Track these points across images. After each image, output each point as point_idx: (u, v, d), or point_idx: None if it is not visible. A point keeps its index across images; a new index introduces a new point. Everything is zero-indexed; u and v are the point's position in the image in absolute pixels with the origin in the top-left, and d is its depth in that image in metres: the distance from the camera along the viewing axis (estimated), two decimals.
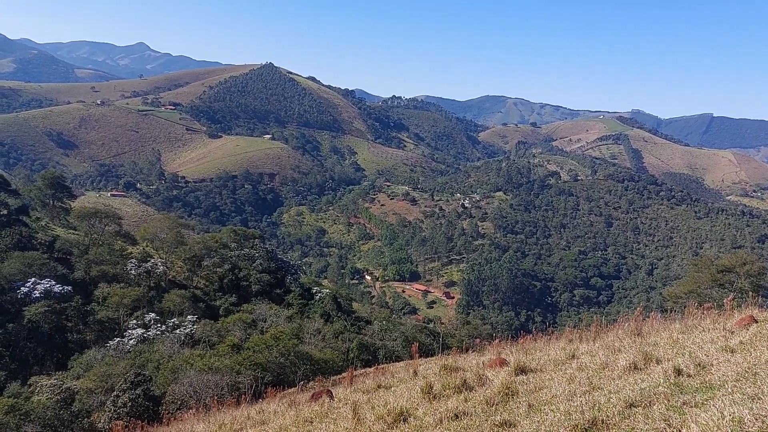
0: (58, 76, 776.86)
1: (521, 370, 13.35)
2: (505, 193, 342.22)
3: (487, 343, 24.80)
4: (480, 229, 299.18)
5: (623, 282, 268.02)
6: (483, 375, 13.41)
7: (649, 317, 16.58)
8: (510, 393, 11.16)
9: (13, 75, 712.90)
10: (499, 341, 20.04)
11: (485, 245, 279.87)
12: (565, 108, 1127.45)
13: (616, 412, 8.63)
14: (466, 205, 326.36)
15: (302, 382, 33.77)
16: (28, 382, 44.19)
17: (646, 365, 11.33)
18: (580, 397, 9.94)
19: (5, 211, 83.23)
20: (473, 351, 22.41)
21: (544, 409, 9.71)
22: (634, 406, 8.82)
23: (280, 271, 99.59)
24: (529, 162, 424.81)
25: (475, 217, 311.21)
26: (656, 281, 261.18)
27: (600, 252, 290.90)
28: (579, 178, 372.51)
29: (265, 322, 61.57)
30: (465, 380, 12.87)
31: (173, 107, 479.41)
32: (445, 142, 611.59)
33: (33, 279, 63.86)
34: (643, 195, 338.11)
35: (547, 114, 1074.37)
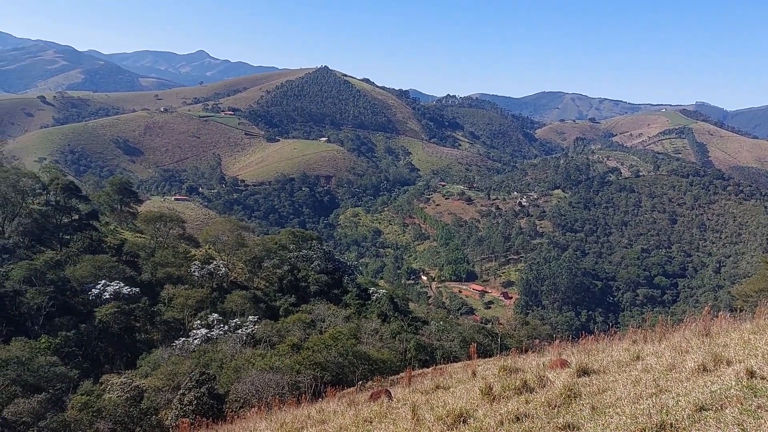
0: (123, 86, 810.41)
1: (583, 372, 13.04)
2: (563, 191, 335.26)
3: (546, 343, 24.39)
4: (538, 227, 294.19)
5: (689, 280, 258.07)
6: (543, 376, 13.17)
7: (717, 317, 15.89)
8: (572, 395, 10.92)
9: (82, 85, 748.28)
10: (560, 342, 19.66)
11: (544, 244, 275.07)
12: (625, 102, 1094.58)
13: (685, 416, 8.33)
14: (523, 203, 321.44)
15: (360, 382, 34.00)
16: (100, 381, 46.07)
17: (716, 367, 10.88)
18: (646, 399, 9.64)
19: (77, 216, 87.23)
20: (532, 352, 22.05)
21: (609, 412, 9.47)
22: (705, 410, 8.49)
23: (337, 271, 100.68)
24: (587, 158, 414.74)
25: (532, 215, 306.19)
26: (724, 279, 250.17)
27: (664, 250, 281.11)
28: (641, 174, 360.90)
29: (323, 322, 62.34)
30: (525, 381, 12.67)
31: (232, 112, 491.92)
32: (500, 140, 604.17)
33: (103, 281, 66.54)
34: (709, 190, 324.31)
35: (606, 109, 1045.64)
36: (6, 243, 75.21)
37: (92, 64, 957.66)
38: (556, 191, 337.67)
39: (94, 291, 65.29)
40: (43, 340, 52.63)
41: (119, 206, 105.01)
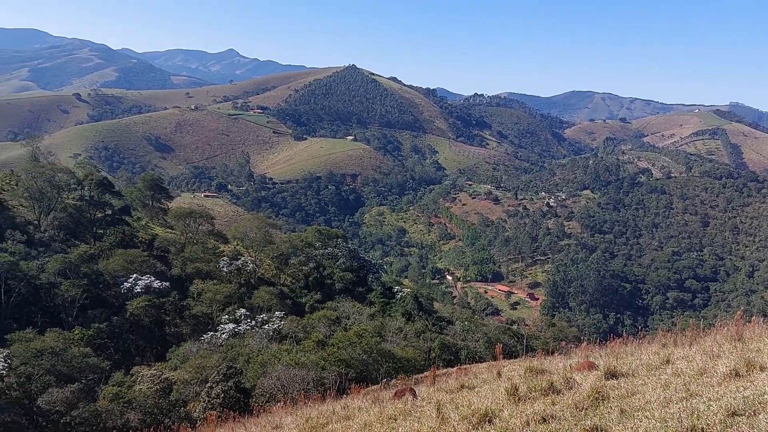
0: (155, 83, 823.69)
1: (612, 375, 12.94)
2: (592, 192, 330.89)
3: (573, 346, 24.17)
4: (566, 228, 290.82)
5: (721, 284, 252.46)
6: (571, 378, 13.10)
7: (750, 322, 15.61)
8: (600, 397, 10.85)
9: (116, 83, 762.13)
10: (587, 344, 19.50)
11: (571, 245, 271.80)
12: (657, 102, 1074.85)
13: (717, 421, 8.23)
14: (551, 204, 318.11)
15: (385, 380, 34.11)
16: (131, 372, 47.05)
17: (749, 372, 10.71)
18: (676, 403, 9.55)
19: (110, 211, 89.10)
20: (559, 354, 21.91)
21: (638, 416, 9.40)
22: (737, 415, 8.38)
23: (362, 269, 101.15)
24: (618, 159, 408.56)
25: (560, 216, 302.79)
26: (757, 284, 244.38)
27: (695, 253, 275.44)
28: (672, 175, 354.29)
29: (348, 319, 62.71)
30: (552, 383, 12.63)
31: (261, 111, 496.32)
32: (528, 139, 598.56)
33: (135, 275, 67.87)
34: (743, 192, 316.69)
35: (638, 109, 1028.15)
36: (42, 236, 77.15)
37: (126, 63, 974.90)
38: (584, 192, 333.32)
39: (126, 284, 66.64)
40: (76, 332, 53.88)
41: (151, 202, 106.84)
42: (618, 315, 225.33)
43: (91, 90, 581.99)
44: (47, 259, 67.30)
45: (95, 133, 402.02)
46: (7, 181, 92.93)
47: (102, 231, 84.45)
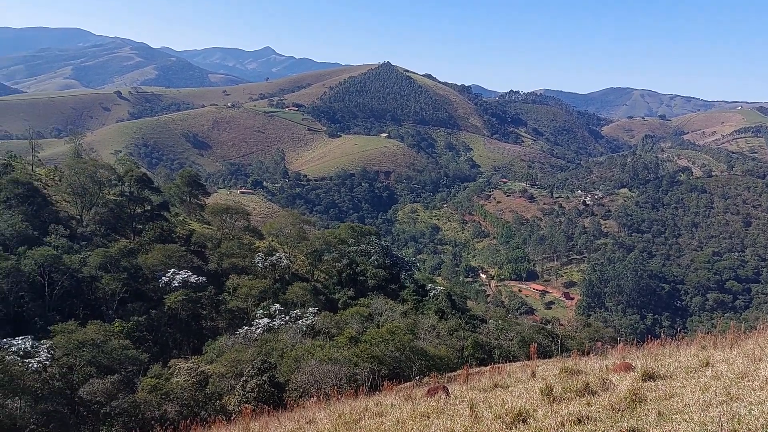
0: (194, 81, 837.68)
1: (649, 376, 12.72)
2: (630, 190, 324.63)
3: (609, 346, 23.84)
4: (603, 227, 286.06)
5: (763, 286, 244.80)
6: (607, 379, 12.93)
7: None
8: (637, 399, 10.69)
9: (155, 81, 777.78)
10: (624, 345, 19.22)
11: (608, 244, 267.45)
12: (698, 99, 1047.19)
13: (758, 426, 8.04)
14: (587, 202, 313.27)
15: (417, 377, 34.17)
16: (168, 365, 48.03)
17: None
18: (716, 407, 9.35)
19: (149, 207, 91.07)
20: (595, 355, 21.60)
21: (676, 418, 9.24)
22: None
23: (395, 267, 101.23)
24: (656, 157, 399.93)
25: (597, 215, 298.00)
26: None
27: (737, 253, 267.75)
28: (713, 173, 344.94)
29: (381, 316, 62.84)
30: (587, 384, 12.48)
31: (296, 108, 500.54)
32: (565, 136, 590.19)
33: (172, 269, 69.26)
34: None
35: (678, 106, 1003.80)
36: (84, 231, 79.29)
37: (165, 61, 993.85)
38: (622, 190, 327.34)
39: (164, 279, 68.06)
40: (116, 324, 55.26)
41: (188, 198, 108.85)
42: (656, 316, 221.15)
43: (132, 88, 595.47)
44: (89, 253, 69.15)
45: (135, 130, 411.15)
46: (51, 177, 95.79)
47: (141, 226, 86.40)
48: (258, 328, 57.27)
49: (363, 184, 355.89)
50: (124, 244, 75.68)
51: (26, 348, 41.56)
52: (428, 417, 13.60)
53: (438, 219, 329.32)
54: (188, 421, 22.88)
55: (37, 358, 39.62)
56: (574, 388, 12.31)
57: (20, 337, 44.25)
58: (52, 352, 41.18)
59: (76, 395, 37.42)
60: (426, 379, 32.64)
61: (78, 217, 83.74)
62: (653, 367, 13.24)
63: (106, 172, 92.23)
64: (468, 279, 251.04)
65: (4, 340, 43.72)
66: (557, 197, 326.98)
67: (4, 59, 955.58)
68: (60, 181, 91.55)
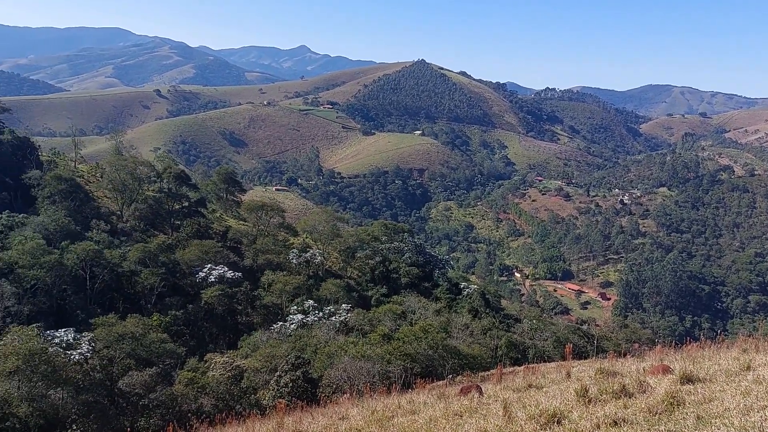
0: (230, 80, 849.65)
1: (687, 379, 12.47)
2: (669, 189, 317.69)
3: (647, 348, 23.43)
4: (640, 227, 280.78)
5: None
6: (644, 382, 12.71)
7: None
8: (675, 402, 10.49)
9: (193, 79, 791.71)
10: (662, 347, 18.87)
11: (646, 244, 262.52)
12: (740, 96, 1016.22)
13: None
14: (625, 201, 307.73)
15: (450, 376, 34.06)
16: (204, 359, 48.88)
17: None
18: (758, 412, 9.12)
19: (186, 203, 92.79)
20: (631, 356, 21.24)
21: (716, 423, 9.05)
22: None
23: (428, 265, 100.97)
24: (697, 155, 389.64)
25: (635, 214, 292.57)
26: None
27: None
28: (756, 172, 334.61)
29: (414, 314, 62.85)
30: (624, 386, 12.29)
31: (330, 106, 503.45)
32: (602, 134, 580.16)
33: (209, 265, 70.47)
34: None
35: (719, 103, 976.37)
36: (124, 226, 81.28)
37: (203, 60, 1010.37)
38: (661, 189, 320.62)
39: (201, 274, 69.29)
40: (155, 318, 56.50)
41: (225, 195, 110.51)
42: (695, 318, 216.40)
43: (171, 86, 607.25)
44: (129, 248, 70.86)
45: (174, 128, 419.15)
46: (93, 174, 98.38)
47: (179, 222, 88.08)
48: (292, 323, 57.90)
49: (396, 182, 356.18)
50: (163, 240, 77.32)
51: (68, 340, 42.84)
52: (461, 416, 13.57)
53: (472, 217, 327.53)
54: (224, 415, 23.26)
55: (78, 350, 40.81)
56: (610, 390, 12.14)
57: (63, 329, 45.64)
58: (93, 344, 42.31)
59: (115, 387, 38.31)
60: (459, 377, 32.52)
61: (118, 212, 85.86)
62: (692, 370, 12.97)
63: (145, 169, 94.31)
64: (502, 278, 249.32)
65: (48, 332, 45.13)
66: (594, 196, 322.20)
67: (49, 58, 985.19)
68: (101, 177, 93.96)
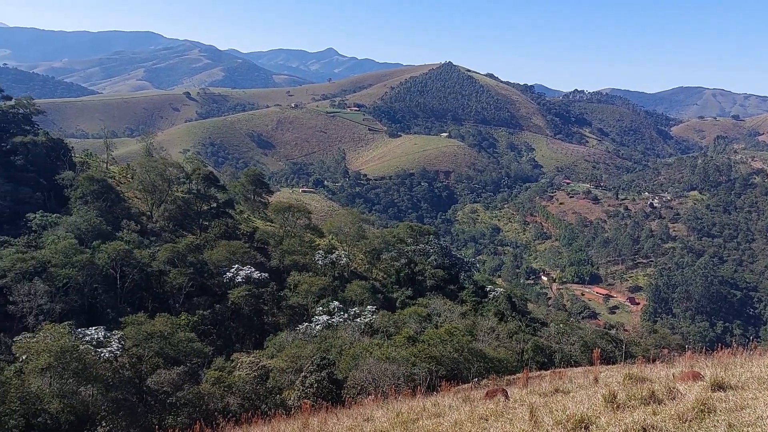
0: (259, 82, 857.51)
1: (718, 386, 12.22)
2: (700, 193, 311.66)
3: (676, 354, 23.02)
4: (671, 231, 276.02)
5: None
6: (673, 388, 12.49)
7: None
8: (706, 410, 10.29)
9: (222, 82, 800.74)
10: (692, 353, 18.53)
11: (676, 248, 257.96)
12: None
13: None
14: (655, 204, 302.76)
15: (475, 379, 33.89)
16: (231, 358, 49.40)
17: None
18: None
19: (215, 204, 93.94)
20: (661, 362, 20.89)
21: (748, 431, 8.84)
22: None
23: (453, 267, 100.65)
24: (729, 158, 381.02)
25: (665, 217, 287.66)
26: None
27: None
28: None
29: (439, 316, 62.67)
30: (653, 392, 12.10)
31: (357, 108, 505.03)
32: (631, 137, 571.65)
33: (236, 265, 71.19)
34: None
35: (753, 106, 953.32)
36: (154, 227, 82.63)
37: (231, 63, 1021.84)
38: (692, 193, 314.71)
39: (228, 274, 70.04)
40: (182, 317, 57.25)
41: (252, 196, 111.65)
42: (726, 324, 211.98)
43: (200, 89, 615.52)
44: (158, 248, 71.96)
45: (203, 130, 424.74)
46: (124, 175, 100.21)
47: (207, 223, 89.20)
48: (317, 324, 58.16)
49: (422, 184, 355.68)
50: (191, 240, 78.33)
51: (99, 338, 43.69)
52: (487, 420, 13.48)
53: (498, 220, 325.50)
54: (249, 414, 23.46)
55: (108, 348, 41.58)
56: (639, 396, 11.95)
57: (94, 328, 46.56)
58: (122, 342, 43.06)
59: (144, 385, 38.94)
60: (484, 381, 32.33)
61: (148, 213, 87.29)
62: (723, 377, 12.70)
63: (174, 170, 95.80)
64: (529, 281, 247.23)
65: (79, 329, 46.09)
66: (623, 199, 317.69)
67: (82, 62, 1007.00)
68: (132, 178, 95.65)
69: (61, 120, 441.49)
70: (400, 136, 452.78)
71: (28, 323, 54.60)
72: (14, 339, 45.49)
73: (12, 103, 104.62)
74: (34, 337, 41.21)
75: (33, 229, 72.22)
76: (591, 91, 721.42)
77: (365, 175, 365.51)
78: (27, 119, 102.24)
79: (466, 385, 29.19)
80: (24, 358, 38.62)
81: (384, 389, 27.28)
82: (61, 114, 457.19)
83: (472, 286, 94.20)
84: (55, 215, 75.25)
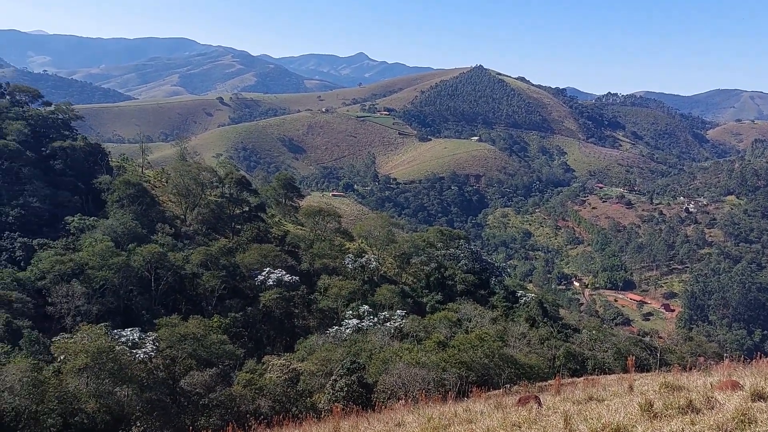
0: (290, 87, 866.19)
1: (759, 396, 11.93)
2: (737, 197, 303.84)
3: (713, 362, 22.51)
4: (707, 236, 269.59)
5: None
6: (711, 397, 12.24)
7: None
8: (746, 420, 10.06)
9: (254, 87, 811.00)
10: (729, 361, 18.09)
11: (713, 254, 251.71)
12: None
13: None
14: (690, 209, 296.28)
15: (507, 385, 33.58)
16: (262, 361, 49.82)
17: None
18: None
19: (247, 208, 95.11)
20: (697, 370, 20.46)
21: None
22: None
23: (484, 272, 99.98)
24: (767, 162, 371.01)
25: (701, 223, 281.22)
26: None
27: None
28: None
29: (469, 321, 62.31)
30: (690, 401, 11.86)
31: (387, 112, 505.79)
32: (666, 140, 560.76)
33: (267, 269, 71.91)
34: None
35: None
36: (187, 230, 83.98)
37: (263, 68, 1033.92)
38: (729, 197, 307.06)
39: (260, 277, 70.77)
40: (215, 320, 58.01)
41: (284, 200, 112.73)
42: (765, 332, 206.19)
43: (233, 94, 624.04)
44: (191, 251, 73.09)
45: (235, 135, 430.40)
46: (159, 179, 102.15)
47: (239, 226, 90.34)
48: (347, 328, 58.31)
49: (452, 188, 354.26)
50: (224, 243, 79.38)
51: (134, 339, 44.53)
52: (519, 427, 13.36)
53: (530, 224, 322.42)
54: (280, 417, 23.66)
55: (143, 349, 42.34)
56: (677, 405, 11.73)
57: (129, 329, 47.48)
58: (156, 344, 43.80)
59: (177, 386, 39.56)
60: (515, 387, 32.04)
61: (182, 216, 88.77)
62: (764, 387, 12.38)
63: (208, 174, 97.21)
64: (560, 287, 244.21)
65: (115, 330, 47.06)
66: (657, 204, 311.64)
67: (119, 68, 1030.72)
68: (166, 182, 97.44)
69: (99, 125, 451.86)
70: (430, 140, 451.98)
71: (66, 324, 56.06)
72: (53, 339, 46.74)
73: (52, 108, 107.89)
74: (72, 337, 42.24)
75: (71, 231, 74.13)
76: (624, 94, 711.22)
77: (395, 179, 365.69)
78: (66, 124, 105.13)
79: (497, 391, 28.97)
80: (62, 358, 39.55)
81: (414, 394, 27.23)
82: (99, 119, 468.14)
83: (502, 291, 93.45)
84: (92, 218, 77.10)
